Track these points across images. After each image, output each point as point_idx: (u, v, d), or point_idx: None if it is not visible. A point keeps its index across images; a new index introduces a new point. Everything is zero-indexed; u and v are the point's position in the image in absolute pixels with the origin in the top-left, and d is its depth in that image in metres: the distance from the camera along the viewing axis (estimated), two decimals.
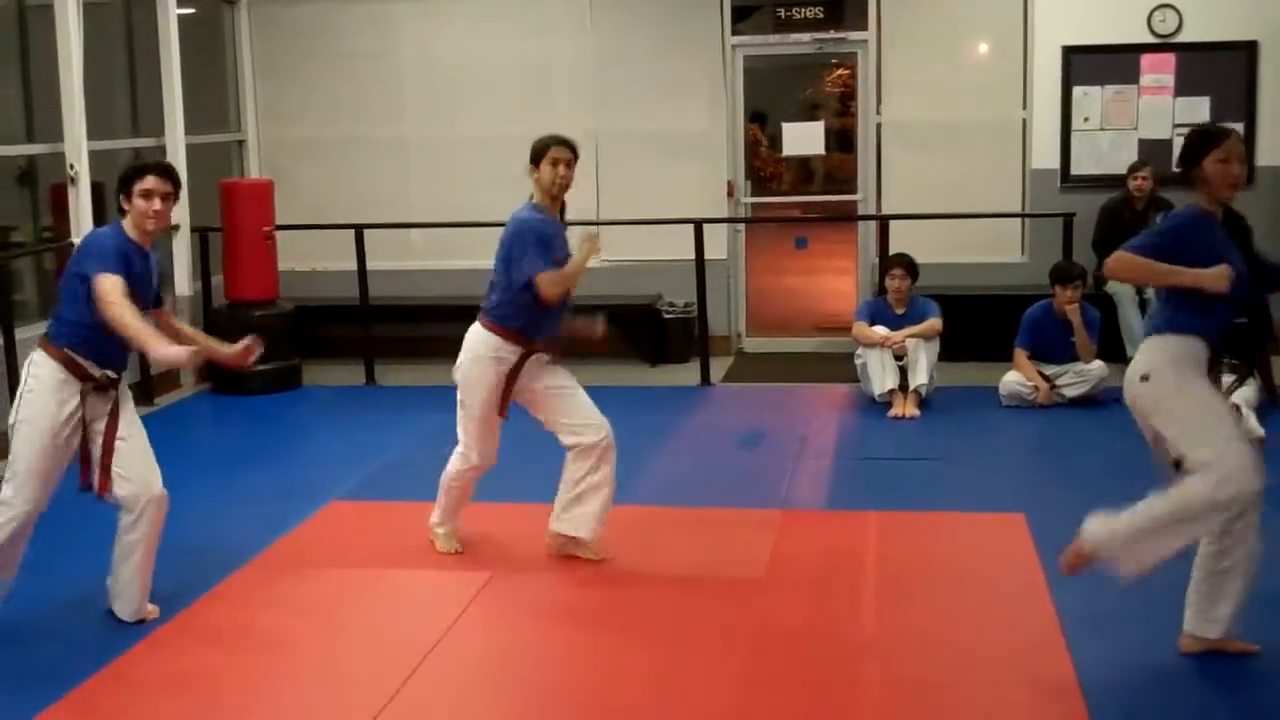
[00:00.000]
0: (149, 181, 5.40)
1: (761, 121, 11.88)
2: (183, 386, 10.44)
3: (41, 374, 5.44)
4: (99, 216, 9.43)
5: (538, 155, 5.99)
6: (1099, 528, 4.95)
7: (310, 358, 10.77)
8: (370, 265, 10.50)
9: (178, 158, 10.34)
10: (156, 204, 5.41)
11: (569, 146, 6.01)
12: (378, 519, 7.04)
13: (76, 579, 6.10)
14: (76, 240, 9.03)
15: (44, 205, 9.58)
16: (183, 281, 10.46)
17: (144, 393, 9.86)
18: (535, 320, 6.01)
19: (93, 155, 9.26)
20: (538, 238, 5.90)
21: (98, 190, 9.51)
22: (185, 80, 10.40)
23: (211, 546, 6.63)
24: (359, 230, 10.47)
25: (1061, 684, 4.83)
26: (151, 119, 10.44)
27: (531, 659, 5.25)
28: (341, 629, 5.56)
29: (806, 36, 11.22)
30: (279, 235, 10.54)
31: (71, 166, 9.08)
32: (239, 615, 5.77)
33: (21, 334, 8.60)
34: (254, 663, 5.24)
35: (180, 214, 10.36)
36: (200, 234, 10.66)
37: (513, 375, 6.02)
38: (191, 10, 10.99)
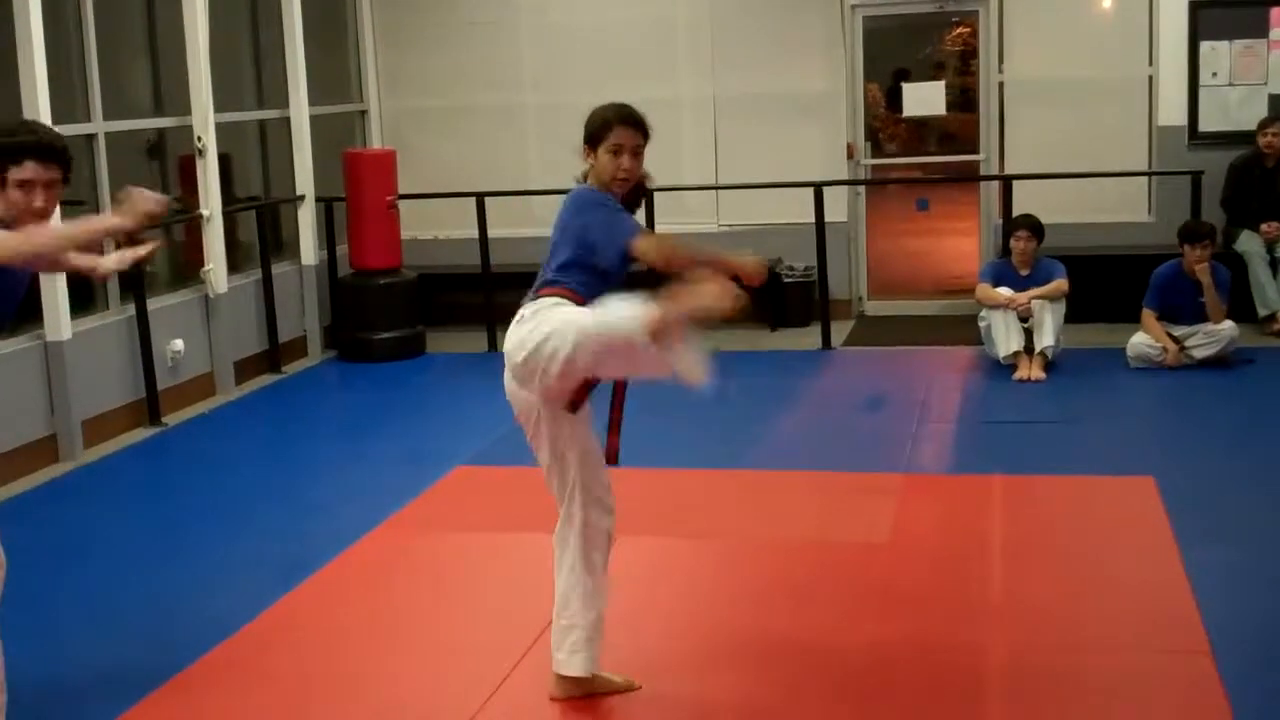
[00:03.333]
0: (28, 169, 4.03)
1: (898, 77, 11.72)
2: (309, 355, 10.61)
3: None
4: (226, 188, 9.63)
5: (594, 136, 4.42)
6: None
7: (433, 325, 10.89)
8: (491, 233, 10.59)
9: (302, 128, 10.51)
10: (39, 199, 4.06)
11: (637, 125, 4.44)
12: (503, 483, 7.11)
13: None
14: (206, 212, 9.25)
15: (172, 177, 9.77)
16: (308, 251, 10.64)
17: (271, 361, 10.06)
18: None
19: (220, 127, 9.44)
20: (612, 204, 4.40)
21: (225, 162, 9.70)
22: (308, 51, 10.55)
23: (341, 510, 6.77)
24: (480, 198, 10.56)
25: (1193, 648, 4.76)
26: (276, 90, 10.60)
27: (654, 621, 5.28)
28: (468, 594, 5.64)
29: None
30: (401, 204, 10.66)
31: (199, 139, 9.25)
32: (369, 578, 5.87)
33: (153, 305, 8.81)
34: (382, 625, 5.33)
35: (305, 184, 10.55)
36: (325, 204, 10.83)
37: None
38: None
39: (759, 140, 11.21)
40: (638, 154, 4.44)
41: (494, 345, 10.54)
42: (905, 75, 11.72)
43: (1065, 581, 5.51)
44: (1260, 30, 10.48)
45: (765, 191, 10.85)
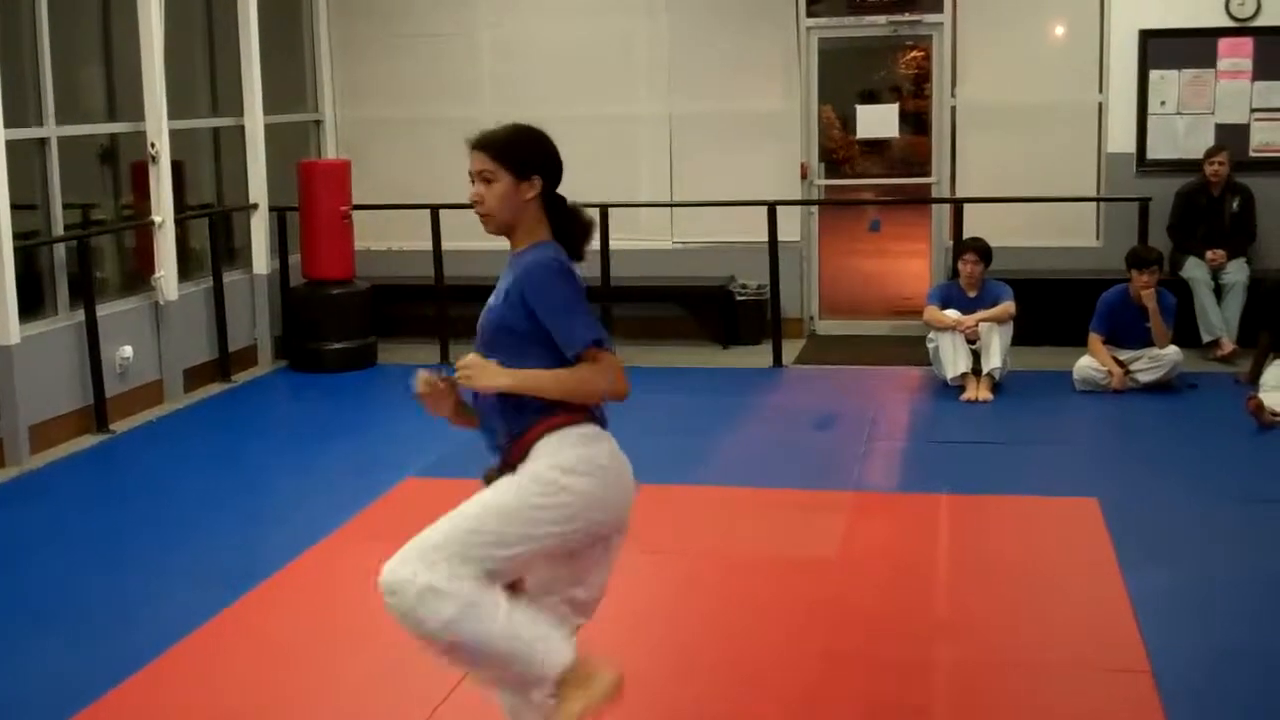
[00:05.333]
0: None
1: (865, 99, 11.75)
2: (259, 364, 10.58)
3: None
4: (178, 195, 9.59)
5: None
6: None
7: (385, 336, 10.87)
8: (445, 245, 10.58)
9: (256, 137, 10.48)
10: None
11: (483, 147, 3.66)
12: (453, 495, 7.02)
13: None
14: (158, 219, 9.22)
15: (125, 183, 9.72)
16: (260, 260, 10.61)
17: (221, 370, 10.02)
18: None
19: (173, 134, 9.41)
20: (575, 279, 3.60)
21: (178, 169, 9.66)
22: (264, 60, 10.53)
23: (290, 520, 6.76)
24: (435, 210, 10.55)
25: (1133, 667, 4.82)
26: (231, 99, 10.57)
27: (602, 636, 5.28)
28: None
29: (881, 19, 11.17)
30: (355, 215, 10.64)
31: (152, 145, 9.22)
32: (317, 588, 5.87)
33: (103, 311, 8.76)
34: (329, 635, 5.32)
35: (258, 193, 10.53)
36: (278, 213, 10.79)
37: None
38: None
39: (714, 159, 11.27)
40: (487, 180, 3.63)
41: (447, 357, 10.53)
42: (873, 97, 11.81)
43: (1009, 599, 5.57)
44: (1209, 60, 10.61)
45: (719, 210, 10.91)
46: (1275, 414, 8.11)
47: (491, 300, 3.73)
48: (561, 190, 3.73)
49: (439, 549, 3.57)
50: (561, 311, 3.50)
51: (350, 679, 4.91)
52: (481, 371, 3.56)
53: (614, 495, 3.61)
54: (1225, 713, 4.56)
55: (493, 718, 4.56)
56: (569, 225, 3.73)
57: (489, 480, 3.68)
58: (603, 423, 3.63)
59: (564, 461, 3.52)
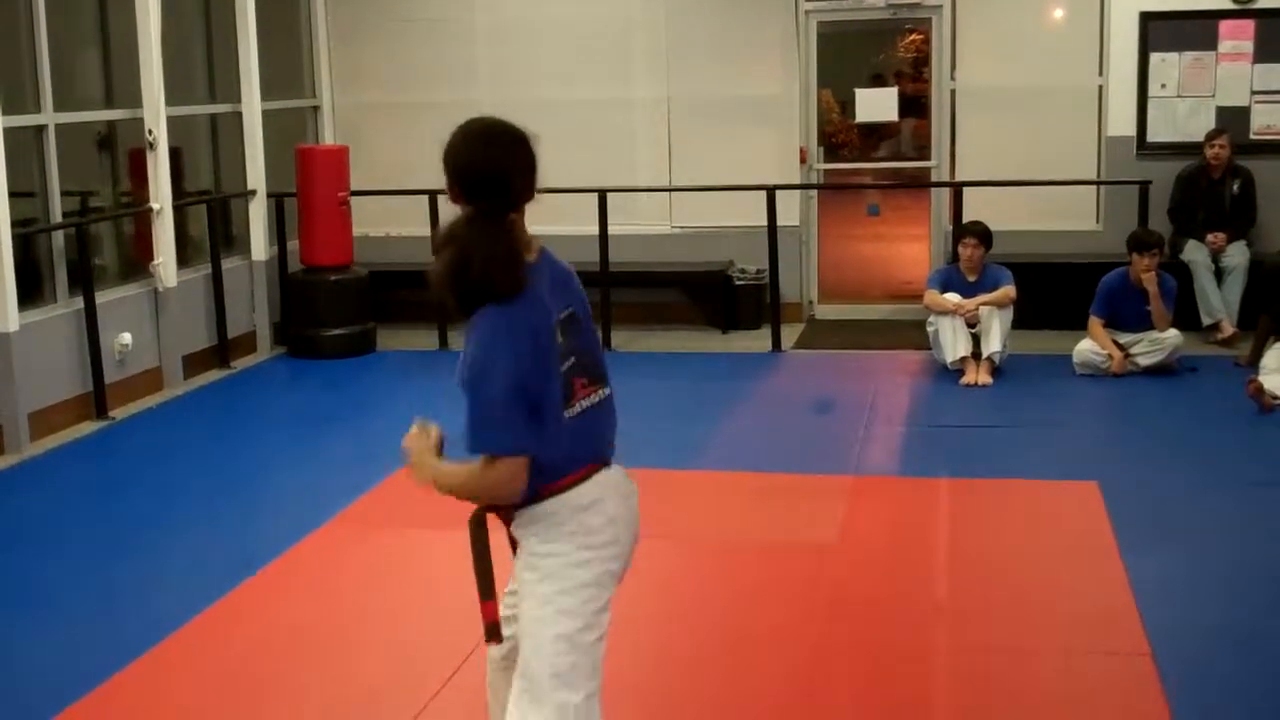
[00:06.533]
0: None
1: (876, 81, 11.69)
2: (258, 350, 10.57)
3: None
4: (177, 181, 9.57)
5: None
6: None
7: (384, 322, 10.85)
8: None
9: (254, 123, 10.45)
10: None
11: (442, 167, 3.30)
12: None
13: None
14: (156, 206, 9.20)
15: (123, 170, 9.71)
16: (259, 246, 10.59)
17: (220, 357, 10.01)
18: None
19: (171, 121, 9.39)
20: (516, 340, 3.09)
21: (176, 155, 9.64)
22: (261, 46, 10.49)
23: (289, 506, 6.76)
24: (433, 196, 10.51)
25: (1133, 650, 4.82)
26: (228, 85, 10.55)
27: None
28: (417, 590, 5.64)
29: (880, 1, 11.13)
30: (354, 200, 10.63)
31: (150, 132, 9.20)
32: (316, 575, 5.86)
33: (101, 298, 8.75)
34: (329, 622, 5.33)
35: (256, 179, 10.51)
36: (276, 199, 10.77)
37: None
38: None
39: (713, 143, 11.24)
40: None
41: (445, 343, 10.52)
42: (880, 80, 11.77)
43: (1009, 583, 5.57)
44: (1209, 43, 10.59)
45: (718, 194, 10.88)
46: (1275, 397, 8.10)
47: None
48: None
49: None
50: (473, 402, 3.07)
51: (348, 666, 4.91)
52: (418, 469, 3.27)
53: (623, 539, 3.34)
54: (1224, 695, 4.56)
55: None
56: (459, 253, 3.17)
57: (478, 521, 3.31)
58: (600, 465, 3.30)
59: (559, 549, 3.23)
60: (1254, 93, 10.53)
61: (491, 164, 3.16)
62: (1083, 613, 5.24)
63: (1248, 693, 4.58)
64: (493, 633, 3.33)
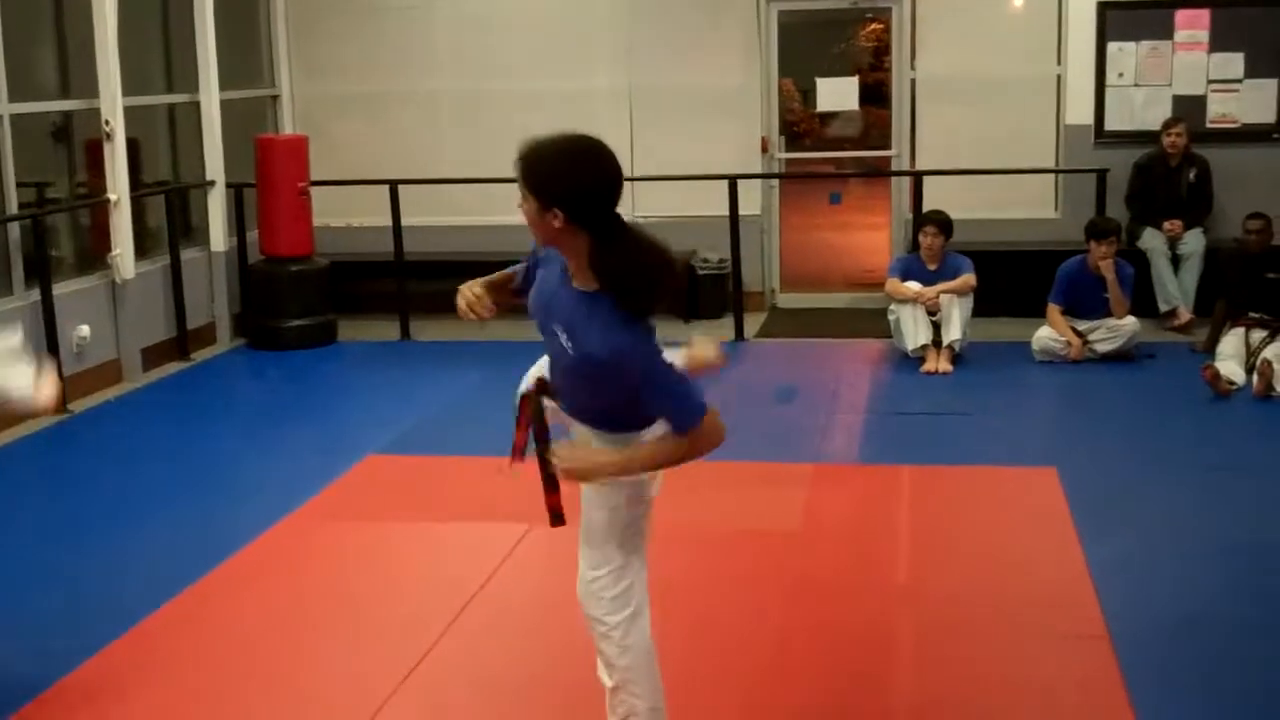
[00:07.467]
0: None
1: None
2: (218, 342, 10.52)
3: None
4: (134, 172, 9.52)
5: None
6: None
7: (345, 313, 10.81)
8: (405, 221, 10.55)
9: (212, 113, 10.39)
10: None
11: (517, 158, 3.37)
12: (414, 473, 7.10)
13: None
14: (113, 197, 9.15)
15: (79, 161, 9.64)
16: (218, 237, 10.54)
17: (180, 348, 9.96)
18: None
19: (128, 111, 9.32)
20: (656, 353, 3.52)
21: (133, 146, 9.58)
22: (219, 35, 10.43)
23: (251, 499, 6.73)
24: (393, 186, 10.51)
25: (1091, 633, 4.86)
26: (186, 74, 10.48)
27: (569, 611, 5.29)
28: (379, 583, 5.63)
29: None
30: (314, 191, 10.58)
31: (107, 122, 9.14)
32: (278, 567, 5.84)
33: (59, 290, 8.69)
34: (291, 614, 5.31)
35: (215, 170, 10.45)
36: (235, 190, 10.71)
37: None
38: None
39: (674, 133, 11.24)
40: (523, 195, 3.32)
41: (407, 334, 10.50)
42: (834, 70, 11.75)
43: (969, 568, 5.61)
44: (1166, 32, 10.65)
45: (680, 184, 10.87)
46: (1231, 382, 8.17)
47: (558, 342, 3.40)
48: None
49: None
50: (665, 394, 3.46)
51: (312, 657, 4.91)
52: (587, 468, 3.54)
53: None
54: (1182, 677, 4.60)
55: (455, 693, 4.58)
56: (623, 271, 3.19)
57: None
58: None
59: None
60: (1210, 81, 10.60)
61: (607, 182, 3.30)
62: (1041, 595, 5.28)
63: (1205, 675, 4.63)
64: (557, 519, 3.68)
